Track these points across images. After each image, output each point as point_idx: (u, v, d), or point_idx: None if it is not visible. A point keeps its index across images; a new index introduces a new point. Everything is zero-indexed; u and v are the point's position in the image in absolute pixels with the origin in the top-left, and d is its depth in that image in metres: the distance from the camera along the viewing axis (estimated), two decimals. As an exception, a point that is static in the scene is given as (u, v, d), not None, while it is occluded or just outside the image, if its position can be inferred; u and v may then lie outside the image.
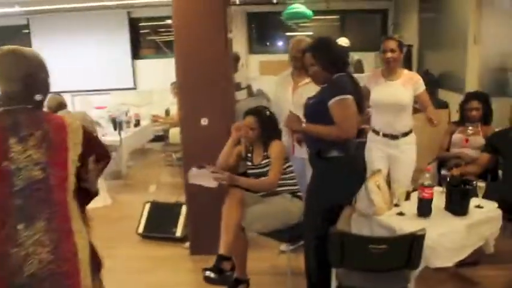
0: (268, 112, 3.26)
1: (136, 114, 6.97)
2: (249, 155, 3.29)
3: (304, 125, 2.66)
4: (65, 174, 1.80)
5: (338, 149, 2.62)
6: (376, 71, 3.55)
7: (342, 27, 8.69)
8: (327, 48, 2.67)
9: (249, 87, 6.21)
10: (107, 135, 5.98)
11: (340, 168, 2.65)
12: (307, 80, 3.26)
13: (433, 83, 6.26)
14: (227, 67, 3.64)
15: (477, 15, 5.31)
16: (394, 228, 2.68)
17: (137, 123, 6.85)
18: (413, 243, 2.23)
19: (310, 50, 2.68)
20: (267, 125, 3.20)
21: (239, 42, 8.51)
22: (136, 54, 8.94)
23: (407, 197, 3.01)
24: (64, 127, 1.81)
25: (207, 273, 2.75)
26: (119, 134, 5.94)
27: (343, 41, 6.41)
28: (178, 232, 4.07)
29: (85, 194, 1.95)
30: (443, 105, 5.65)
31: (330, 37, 2.79)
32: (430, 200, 2.76)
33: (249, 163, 3.27)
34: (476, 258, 3.21)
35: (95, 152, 1.90)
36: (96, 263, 1.99)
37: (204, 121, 3.61)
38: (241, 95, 5.97)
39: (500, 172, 3.78)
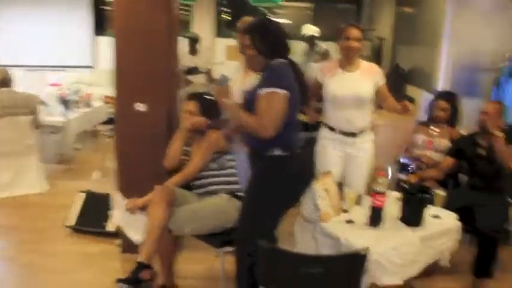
0: (211, 98, 2.88)
1: (89, 94, 6.46)
2: (188, 148, 2.91)
3: (226, 100, 2.32)
4: None
5: (281, 147, 2.30)
6: (332, 61, 3.24)
7: (314, 15, 8.39)
8: (265, 30, 2.32)
9: (208, 72, 5.78)
10: (52, 115, 5.49)
11: (283, 169, 2.33)
12: None
13: (401, 77, 6.07)
14: (171, 47, 3.25)
15: (452, 12, 5.09)
16: (339, 237, 2.36)
17: (89, 104, 6.36)
18: (354, 264, 1.89)
19: (246, 30, 2.35)
20: (208, 112, 2.83)
21: (206, 25, 8.11)
22: (100, 31, 8.39)
23: (358, 201, 2.71)
24: None
25: (120, 285, 2.39)
26: (64, 114, 5.47)
27: (312, 29, 5.99)
28: (111, 226, 3.67)
29: None
30: (409, 100, 5.39)
31: (271, 18, 2.47)
32: (381, 209, 2.46)
33: (187, 158, 2.90)
34: (429, 269, 2.95)
35: None
36: None
37: (140, 106, 3.21)
38: (198, 79, 5.59)
39: (460, 178, 3.54)
